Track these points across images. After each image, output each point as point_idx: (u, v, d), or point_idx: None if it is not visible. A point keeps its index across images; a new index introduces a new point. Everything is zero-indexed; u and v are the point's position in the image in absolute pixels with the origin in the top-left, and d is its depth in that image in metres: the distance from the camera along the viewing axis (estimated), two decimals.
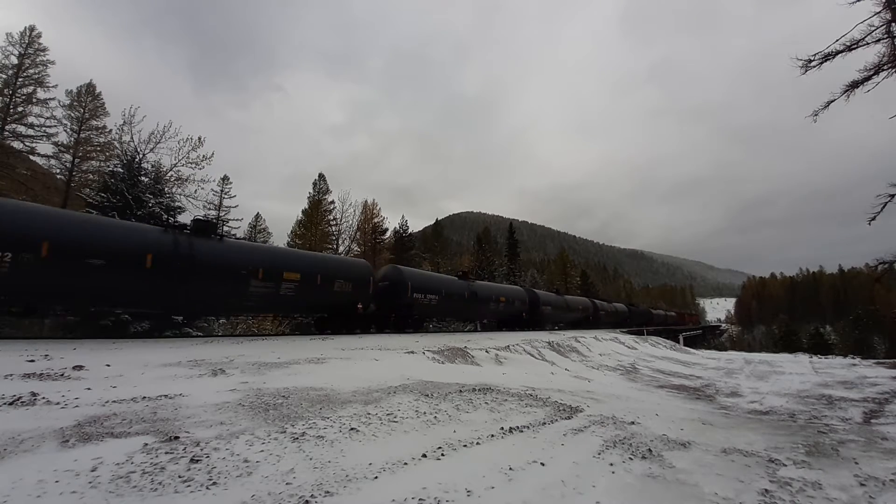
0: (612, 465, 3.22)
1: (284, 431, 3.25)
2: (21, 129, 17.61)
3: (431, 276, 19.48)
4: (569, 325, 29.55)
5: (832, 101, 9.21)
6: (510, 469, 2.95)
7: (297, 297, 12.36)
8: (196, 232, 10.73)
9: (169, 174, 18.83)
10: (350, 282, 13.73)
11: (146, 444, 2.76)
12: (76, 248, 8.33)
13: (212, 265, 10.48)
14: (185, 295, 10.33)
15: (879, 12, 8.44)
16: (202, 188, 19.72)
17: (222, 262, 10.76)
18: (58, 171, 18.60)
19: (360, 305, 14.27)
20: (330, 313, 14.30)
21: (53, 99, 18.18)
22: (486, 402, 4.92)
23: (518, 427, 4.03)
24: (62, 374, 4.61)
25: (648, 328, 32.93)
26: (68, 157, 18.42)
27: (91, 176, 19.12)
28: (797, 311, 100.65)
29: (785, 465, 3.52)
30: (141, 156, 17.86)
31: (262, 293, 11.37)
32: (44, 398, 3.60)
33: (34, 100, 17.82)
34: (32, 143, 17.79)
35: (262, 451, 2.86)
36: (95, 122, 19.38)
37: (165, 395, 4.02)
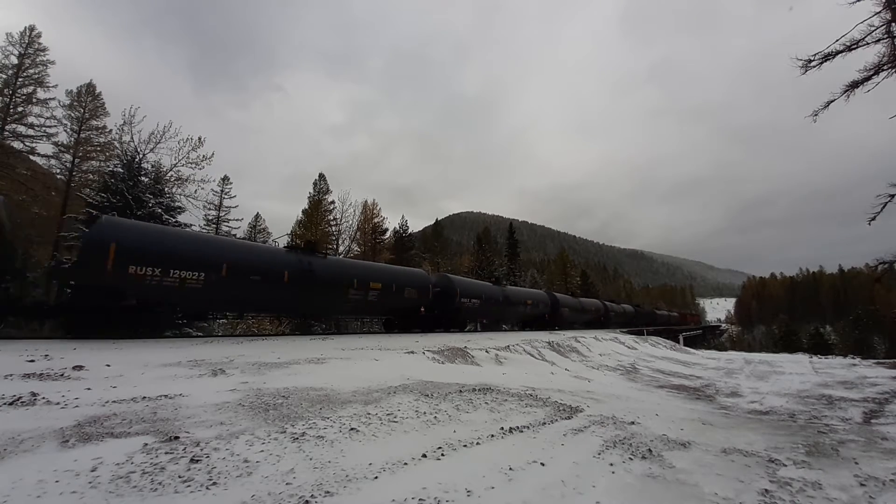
0: (612, 465, 3.22)
1: (284, 431, 3.25)
2: (21, 129, 17.64)
3: (474, 282, 21.71)
4: (583, 325, 30.94)
5: (832, 101, 9.21)
6: (510, 469, 2.95)
7: (379, 303, 15.07)
8: (309, 252, 13.52)
9: (169, 174, 18.86)
10: (415, 289, 16.43)
11: (146, 444, 2.76)
12: (244, 268, 11.07)
13: (324, 278, 13.05)
14: (308, 301, 13.30)
15: (879, 12, 8.44)
16: (202, 188, 19.75)
17: (330, 275, 13.38)
18: (58, 171, 18.62)
19: (422, 308, 17.04)
20: (397, 315, 17.48)
21: (53, 99, 18.22)
22: (486, 402, 4.92)
23: (518, 427, 4.03)
24: (62, 374, 4.61)
25: (648, 328, 32.89)
26: (68, 157, 18.44)
27: (91, 176, 19.14)
28: (797, 311, 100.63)
29: (785, 465, 3.52)
30: (141, 156, 17.87)
31: (356, 299, 14.17)
32: (44, 398, 3.60)
33: (34, 100, 17.84)
34: (32, 143, 17.82)
35: (262, 451, 2.85)
36: (95, 122, 19.42)
37: (165, 395, 4.02)
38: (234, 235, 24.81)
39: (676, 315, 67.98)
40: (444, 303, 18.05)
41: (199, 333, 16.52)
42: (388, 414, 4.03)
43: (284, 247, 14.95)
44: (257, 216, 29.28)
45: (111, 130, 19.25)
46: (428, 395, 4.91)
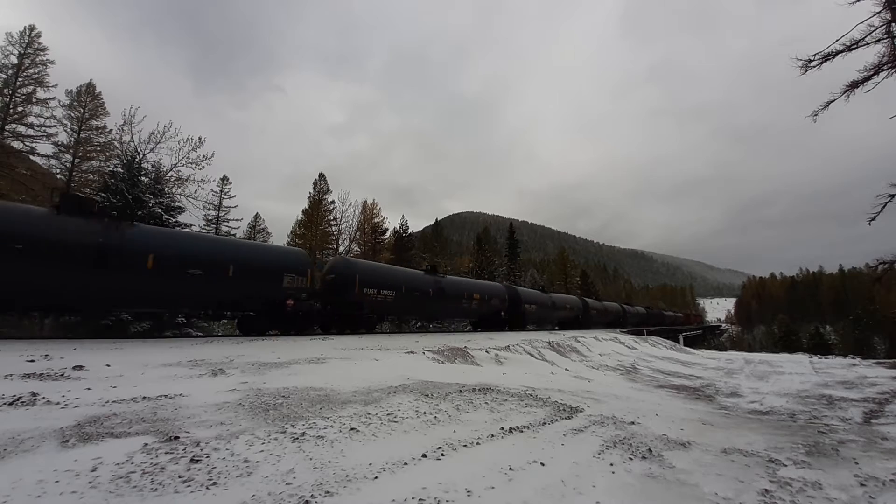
0: (612, 465, 3.22)
1: (284, 431, 3.25)
2: (21, 128, 17.61)
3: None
4: (555, 324, 28.72)
5: (832, 101, 9.21)
6: (510, 469, 2.95)
7: (477, 309, 20.57)
8: (433, 272, 19.00)
9: (169, 174, 18.85)
10: (498, 298, 19.36)
11: (146, 444, 2.76)
12: (411, 287, 16.71)
13: (447, 292, 18.35)
14: (441, 309, 19.01)
15: (879, 12, 8.43)
16: (202, 188, 19.74)
17: (452, 291, 18.81)
18: (58, 171, 18.60)
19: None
20: (484, 318, 21.30)
21: (53, 99, 18.19)
22: (486, 402, 4.92)
23: (518, 427, 4.03)
24: (62, 374, 4.61)
25: (648, 328, 32.98)
26: (68, 157, 18.42)
27: (91, 176, 19.12)
28: (797, 311, 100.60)
29: (785, 465, 3.52)
30: (141, 156, 17.87)
31: (465, 307, 19.58)
32: (44, 398, 3.60)
33: (34, 99, 17.82)
34: (32, 142, 17.79)
35: (262, 451, 2.85)
36: (95, 122, 19.39)
37: (165, 395, 4.02)
38: (234, 235, 24.81)
39: (682, 316, 72.85)
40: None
41: (199, 333, 16.52)
42: (388, 414, 4.03)
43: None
44: (257, 216, 29.31)
45: (111, 130, 19.24)
46: (428, 395, 4.91)
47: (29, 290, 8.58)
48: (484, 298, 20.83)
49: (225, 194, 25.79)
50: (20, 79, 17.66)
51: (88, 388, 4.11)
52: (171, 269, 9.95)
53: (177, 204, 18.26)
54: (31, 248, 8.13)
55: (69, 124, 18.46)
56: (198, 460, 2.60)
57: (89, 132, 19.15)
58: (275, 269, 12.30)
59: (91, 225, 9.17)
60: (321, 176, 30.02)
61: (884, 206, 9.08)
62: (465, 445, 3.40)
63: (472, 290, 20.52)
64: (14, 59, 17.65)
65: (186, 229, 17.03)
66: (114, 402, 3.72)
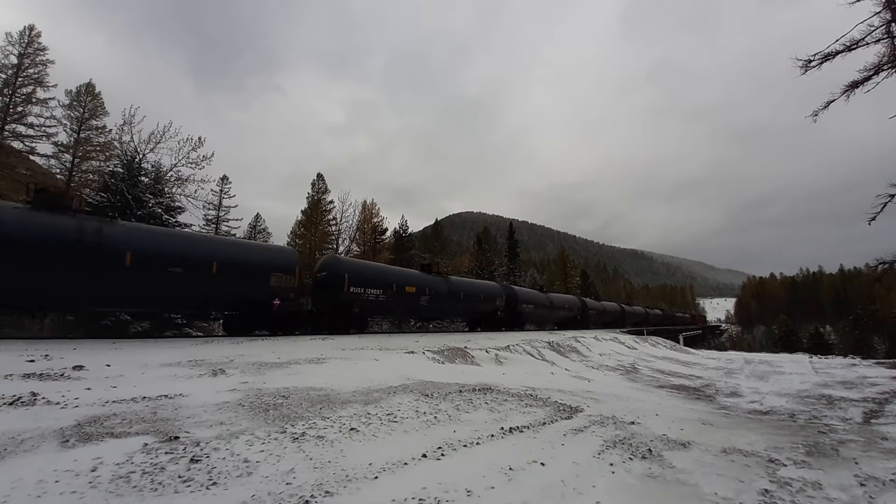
0: (612, 465, 3.22)
1: (284, 431, 3.25)
2: (21, 128, 17.61)
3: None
4: (554, 325, 28.67)
5: (832, 101, 9.20)
6: (510, 469, 2.95)
7: (476, 308, 20.91)
8: (428, 271, 19.25)
9: (169, 174, 18.85)
10: (495, 298, 19.43)
11: (146, 444, 2.76)
12: (403, 285, 16.40)
13: (442, 292, 18.12)
14: (436, 309, 18.27)
15: (879, 12, 8.42)
16: (202, 188, 19.75)
17: (447, 290, 18.63)
18: (58, 170, 18.60)
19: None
20: (481, 318, 21.28)
21: (53, 99, 18.19)
22: (486, 402, 4.92)
23: (518, 427, 4.03)
24: (62, 374, 4.61)
25: (648, 328, 33.01)
26: (68, 156, 18.42)
27: (91, 176, 19.12)
28: (797, 311, 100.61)
29: (785, 465, 3.52)
30: (141, 156, 17.88)
31: (464, 306, 20.26)
32: (44, 398, 3.60)
33: (34, 99, 17.82)
34: (32, 142, 17.79)
35: (262, 451, 2.85)
36: (95, 122, 19.39)
37: (165, 395, 4.02)
38: (234, 235, 24.81)
39: (688, 317, 77.36)
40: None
41: (199, 333, 16.52)
42: (388, 414, 4.03)
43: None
44: (258, 216, 29.28)
45: (111, 130, 19.25)
46: (428, 395, 4.91)
47: None
48: (480, 298, 20.55)
49: (225, 194, 25.78)
50: (20, 79, 17.66)
51: (88, 388, 4.11)
52: (151, 266, 9.72)
53: (177, 204, 18.27)
54: None
55: (69, 124, 18.47)
56: (198, 460, 2.60)
57: (89, 132, 19.15)
58: (261, 268, 12.02)
59: (64, 221, 8.92)
60: (319, 176, 30.01)
61: (884, 206, 9.07)
62: (465, 445, 3.40)
63: (468, 290, 20.07)
64: (14, 59, 17.64)
65: (186, 229, 17.01)
66: (114, 402, 3.72)
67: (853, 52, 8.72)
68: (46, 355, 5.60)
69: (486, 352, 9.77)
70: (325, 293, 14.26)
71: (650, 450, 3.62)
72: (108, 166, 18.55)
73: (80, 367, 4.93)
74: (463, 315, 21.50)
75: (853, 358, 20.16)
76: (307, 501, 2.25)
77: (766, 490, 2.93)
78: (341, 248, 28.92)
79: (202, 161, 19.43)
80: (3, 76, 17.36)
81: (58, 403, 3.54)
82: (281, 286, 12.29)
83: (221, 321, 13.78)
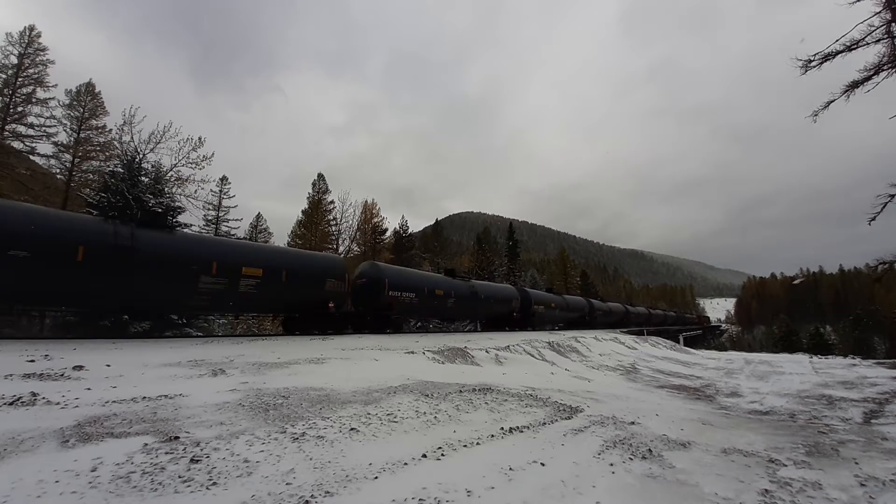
0: (612, 465, 3.22)
1: (284, 431, 3.25)
2: (21, 128, 17.62)
3: (412, 272, 18.78)
4: (563, 325, 29.63)
5: (832, 101, 9.20)
6: (510, 469, 2.95)
7: (493, 310, 21.46)
8: (452, 275, 19.93)
9: (169, 174, 18.83)
10: (509, 300, 20.61)
11: (146, 445, 2.76)
12: (434, 290, 17.46)
13: (465, 295, 19.20)
14: (460, 311, 19.82)
15: (879, 12, 8.43)
16: (202, 188, 19.71)
17: (469, 293, 19.62)
18: (58, 170, 18.61)
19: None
20: (495, 319, 21.24)
21: (53, 99, 18.19)
22: (486, 403, 4.92)
23: (518, 427, 4.03)
24: (62, 374, 4.61)
25: (649, 328, 33.04)
26: (68, 156, 18.43)
27: (91, 176, 19.13)
28: (797, 312, 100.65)
29: (785, 466, 3.52)
30: (141, 156, 17.85)
31: (485, 308, 21.08)
32: (44, 398, 3.60)
33: (34, 99, 17.83)
34: (32, 142, 17.79)
35: (262, 451, 2.85)
36: (95, 122, 19.41)
37: (165, 396, 4.02)
38: (235, 236, 24.81)
39: (695, 318, 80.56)
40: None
41: (199, 333, 16.52)
42: (388, 414, 4.03)
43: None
44: (259, 216, 29.30)
45: (111, 130, 19.25)
46: (428, 395, 4.91)
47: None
48: (498, 300, 22.15)
49: (224, 194, 25.81)
50: (20, 79, 17.66)
51: (88, 388, 4.10)
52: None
53: (177, 204, 18.25)
54: None
55: (69, 124, 18.48)
56: (198, 460, 2.60)
57: (89, 132, 19.16)
58: (319, 274, 13.48)
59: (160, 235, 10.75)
60: (320, 176, 30.04)
61: (884, 206, 9.07)
62: (465, 445, 3.40)
63: (488, 293, 21.49)
64: (14, 59, 17.65)
65: (186, 229, 16.99)
66: (114, 402, 3.72)
67: (853, 52, 8.72)
68: (46, 355, 5.59)
69: (486, 352, 9.77)
70: (365, 296, 15.49)
71: (650, 450, 3.62)
72: (108, 166, 18.53)
73: (80, 367, 4.93)
74: (483, 316, 22.72)
75: (853, 358, 20.15)
76: (307, 501, 2.25)
77: (766, 490, 2.94)
78: (341, 248, 28.93)
79: (202, 161, 19.40)
80: (4, 76, 17.37)
81: (58, 403, 3.54)
82: (334, 291, 13.72)
83: (282, 321, 15.49)
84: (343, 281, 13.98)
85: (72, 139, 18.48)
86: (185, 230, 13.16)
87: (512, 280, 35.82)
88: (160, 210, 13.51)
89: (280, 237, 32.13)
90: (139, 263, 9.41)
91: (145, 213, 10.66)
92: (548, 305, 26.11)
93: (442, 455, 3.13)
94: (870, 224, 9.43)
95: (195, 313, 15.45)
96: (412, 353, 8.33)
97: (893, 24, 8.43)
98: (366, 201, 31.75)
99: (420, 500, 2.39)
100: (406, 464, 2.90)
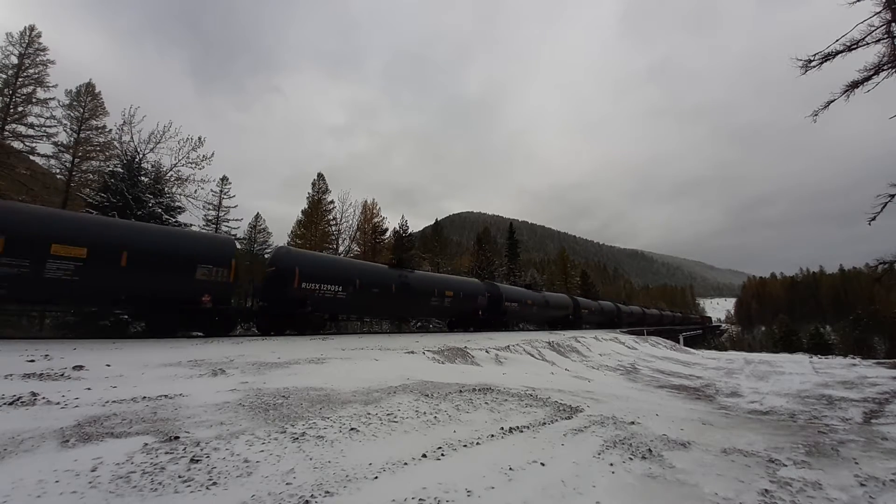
0: (612, 465, 3.22)
1: (284, 431, 3.25)
2: (21, 128, 17.61)
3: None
4: (542, 324, 27.18)
5: (832, 101, 9.21)
6: (510, 469, 2.95)
7: (451, 307, 18.37)
8: (399, 266, 17.00)
9: (169, 174, 18.86)
10: (477, 296, 17.74)
11: (146, 444, 2.76)
12: (367, 283, 14.61)
13: (414, 289, 16.55)
14: (407, 307, 16.94)
15: (879, 12, 8.43)
16: (202, 188, 19.75)
17: (420, 287, 16.95)
18: (58, 171, 18.60)
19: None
20: (461, 318, 20.03)
21: (53, 99, 18.19)
22: (486, 402, 4.92)
23: (518, 427, 4.03)
24: (62, 374, 4.61)
25: (649, 328, 32.88)
26: (68, 156, 18.42)
27: (91, 176, 19.13)
28: (797, 312, 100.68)
29: (785, 466, 3.52)
30: (141, 156, 17.88)
31: (435, 304, 17.79)
32: (44, 398, 3.60)
33: (34, 99, 17.82)
34: (32, 142, 17.79)
35: (262, 451, 2.86)
36: (95, 122, 19.39)
37: (165, 395, 4.02)
38: (235, 236, 24.82)
39: (699, 318, 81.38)
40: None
41: (199, 333, 16.50)
42: (388, 414, 4.03)
43: (385, 264, 17.52)
44: (257, 216, 29.30)
45: (111, 130, 19.26)
46: (428, 395, 4.91)
47: None
48: (458, 296, 18.65)
49: (225, 194, 25.82)
50: (20, 79, 17.66)
51: (88, 388, 4.11)
52: (30, 253, 8.25)
53: (177, 204, 18.27)
54: None
55: (69, 124, 18.47)
56: (198, 460, 2.60)
57: (89, 132, 19.15)
58: (186, 259, 10.40)
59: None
60: (320, 176, 30.02)
61: (884, 206, 9.08)
62: (465, 445, 3.40)
63: (444, 287, 18.09)
64: (14, 60, 17.65)
65: (187, 230, 16.95)
66: (114, 402, 3.72)
67: (853, 52, 8.73)
68: (46, 355, 5.60)
69: (487, 352, 9.77)
70: (272, 289, 12.64)
71: (650, 450, 3.62)
72: (108, 166, 18.55)
73: (80, 367, 4.93)
74: (440, 314, 19.37)
75: (853, 358, 20.16)
76: (307, 501, 2.25)
77: (766, 490, 2.93)
78: (341, 248, 28.93)
79: (202, 161, 19.46)
80: (4, 76, 17.37)
81: (58, 403, 3.54)
82: (212, 280, 10.77)
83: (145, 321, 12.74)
84: (227, 268, 10.89)
85: (72, 139, 18.47)
86: None
87: (512, 280, 35.81)
88: None
89: (280, 237, 32.19)
90: None
91: None
92: (523, 303, 22.92)
93: (442, 455, 3.13)
94: (870, 224, 9.43)
95: None
96: (412, 352, 8.34)
97: (893, 24, 8.43)
98: (366, 201, 31.78)
99: (420, 500, 2.39)
100: (406, 464, 2.90)
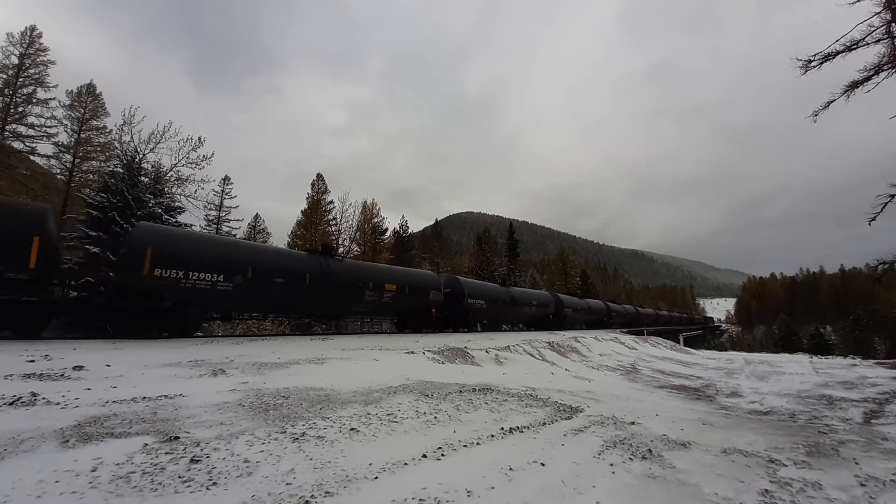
0: (612, 465, 3.22)
1: (284, 432, 3.25)
2: (21, 129, 17.63)
3: (481, 284, 21.24)
4: (586, 325, 30.65)
5: (832, 101, 9.20)
6: (510, 469, 2.95)
7: (394, 304, 15.86)
8: (327, 254, 14.38)
9: (169, 174, 18.85)
10: (430, 291, 17.38)
11: (146, 445, 2.76)
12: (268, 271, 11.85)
13: (340, 280, 14.81)
14: (327, 303, 14.17)
15: (879, 12, 8.43)
16: (202, 188, 19.73)
17: (347, 278, 14.71)
18: (58, 171, 18.62)
19: (433, 310, 17.22)
20: (410, 316, 18.01)
21: (54, 99, 18.20)
22: (486, 403, 4.92)
23: (518, 427, 4.03)
24: (62, 375, 4.61)
25: (649, 328, 32.78)
26: (68, 157, 18.44)
27: (91, 176, 19.14)
28: (797, 312, 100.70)
29: (785, 466, 3.52)
30: (141, 156, 17.87)
31: (371, 300, 15.54)
32: (44, 398, 3.60)
33: (34, 100, 17.84)
34: (33, 143, 17.80)
35: (262, 451, 2.86)
36: (95, 123, 19.42)
37: (165, 396, 4.02)
38: (235, 236, 24.80)
39: (702, 319, 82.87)
40: (453, 304, 18.01)
41: (199, 334, 16.51)
42: (388, 414, 4.03)
43: (305, 251, 14.62)
44: (257, 216, 29.30)
45: (111, 130, 19.26)
46: (428, 396, 4.91)
47: None
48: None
49: (226, 195, 25.82)
50: (21, 79, 17.67)
51: (88, 389, 4.11)
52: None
53: (177, 204, 18.26)
54: None
55: (69, 124, 18.49)
56: (198, 460, 2.60)
57: (89, 132, 19.17)
58: (425, 287, 16.30)
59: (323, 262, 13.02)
60: (319, 176, 30.04)
61: (884, 206, 9.08)
62: (465, 445, 3.40)
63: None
64: (15, 60, 17.66)
65: (187, 229, 16.95)
66: (114, 402, 3.72)
67: (853, 52, 8.72)
68: (46, 355, 5.60)
69: (486, 352, 9.77)
70: (448, 303, 17.96)
71: (650, 450, 3.62)
72: (108, 166, 18.56)
73: (80, 368, 4.93)
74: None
75: (853, 358, 20.15)
76: (307, 501, 2.26)
77: (766, 490, 2.93)
78: (341, 249, 28.95)
79: (202, 161, 19.43)
80: (4, 76, 17.38)
81: (58, 403, 3.54)
82: (435, 300, 16.75)
83: (396, 321, 18.35)
84: (440, 292, 15.40)
85: (72, 139, 18.49)
86: None
87: (512, 280, 35.81)
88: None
89: (280, 237, 32.18)
90: None
91: None
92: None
93: (442, 455, 3.13)
94: (870, 224, 9.43)
95: None
96: (412, 353, 8.34)
97: (893, 24, 8.43)
98: (365, 201, 31.79)
99: (420, 500, 2.39)
100: (406, 464, 2.90)
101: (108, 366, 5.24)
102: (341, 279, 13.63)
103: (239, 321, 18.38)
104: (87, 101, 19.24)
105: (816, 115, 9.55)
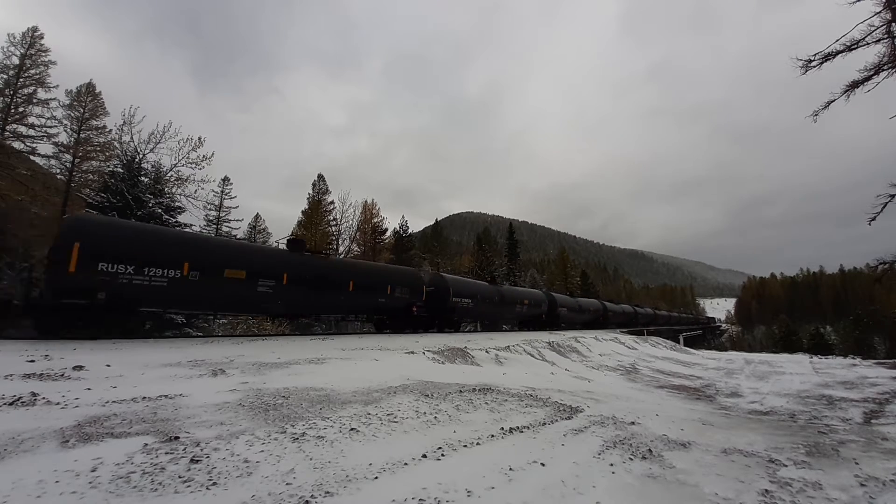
0: (612, 465, 3.21)
1: (284, 432, 3.25)
2: (22, 129, 17.61)
3: (468, 281, 20.36)
4: (581, 325, 30.18)
5: (832, 101, 9.20)
6: (510, 469, 2.95)
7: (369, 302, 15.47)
8: (299, 250, 13.86)
9: (169, 174, 18.85)
10: (407, 288, 16.52)
11: (146, 445, 2.76)
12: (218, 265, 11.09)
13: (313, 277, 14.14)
14: (294, 301, 12.97)
15: (879, 12, 8.43)
16: (202, 188, 19.71)
17: (310, 274, 13.83)
18: (58, 171, 18.59)
19: (414, 308, 16.47)
20: (389, 315, 17.03)
21: (54, 99, 18.18)
22: (486, 403, 4.92)
23: (518, 427, 4.03)
24: (62, 374, 4.61)
25: (649, 328, 32.74)
26: (68, 157, 18.41)
27: (91, 176, 19.11)
28: (797, 312, 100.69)
29: (785, 466, 3.52)
30: (141, 156, 17.88)
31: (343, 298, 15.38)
32: (44, 398, 3.60)
33: (35, 100, 17.82)
34: (33, 143, 17.79)
35: (262, 451, 2.85)
36: (95, 122, 19.37)
37: (165, 396, 4.02)
38: (234, 236, 24.79)
39: (703, 319, 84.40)
40: (438, 302, 17.17)
41: (199, 333, 16.51)
42: (389, 414, 4.03)
43: (277, 242, 14.53)
44: (257, 216, 29.30)
45: (111, 130, 19.25)
46: (428, 396, 4.91)
47: None
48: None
49: (226, 195, 25.80)
50: (21, 79, 17.67)
51: (88, 389, 4.10)
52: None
53: (177, 204, 18.26)
54: None
55: (69, 124, 18.46)
56: (198, 460, 2.60)
57: (89, 132, 19.14)
58: (405, 285, 15.62)
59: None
60: (320, 177, 30.06)
61: (884, 206, 9.08)
62: (465, 445, 3.40)
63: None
64: (16, 60, 17.65)
65: (188, 229, 16.96)
66: (114, 402, 3.72)
67: (853, 52, 8.72)
68: (46, 355, 5.59)
69: (487, 352, 9.77)
70: (432, 302, 17.35)
71: (650, 450, 3.62)
72: (108, 166, 18.55)
73: (80, 367, 4.93)
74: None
75: (853, 358, 20.16)
76: (307, 501, 2.25)
77: (766, 490, 2.93)
78: (341, 249, 28.93)
79: (202, 161, 19.42)
80: (5, 77, 17.38)
81: (58, 403, 3.54)
82: (414, 298, 16.06)
83: (374, 321, 17.28)
84: (421, 290, 14.74)
85: (72, 139, 18.46)
86: None
87: (512, 280, 35.79)
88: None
89: (280, 237, 32.12)
90: None
91: None
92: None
93: (442, 455, 3.13)
94: (870, 224, 9.43)
95: None
96: (412, 353, 8.34)
97: (893, 24, 8.43)
98: (366, 201, 31.78)
99: (420, 500, 2.39)
100: (406, 464, 2.90)
101: (108, 366, 5.24)
102: (310, 276, 12.78)
103: (204, 320, 17.28)
104: (86, 100, 19.21)
105: (816, 115, 9.55)
